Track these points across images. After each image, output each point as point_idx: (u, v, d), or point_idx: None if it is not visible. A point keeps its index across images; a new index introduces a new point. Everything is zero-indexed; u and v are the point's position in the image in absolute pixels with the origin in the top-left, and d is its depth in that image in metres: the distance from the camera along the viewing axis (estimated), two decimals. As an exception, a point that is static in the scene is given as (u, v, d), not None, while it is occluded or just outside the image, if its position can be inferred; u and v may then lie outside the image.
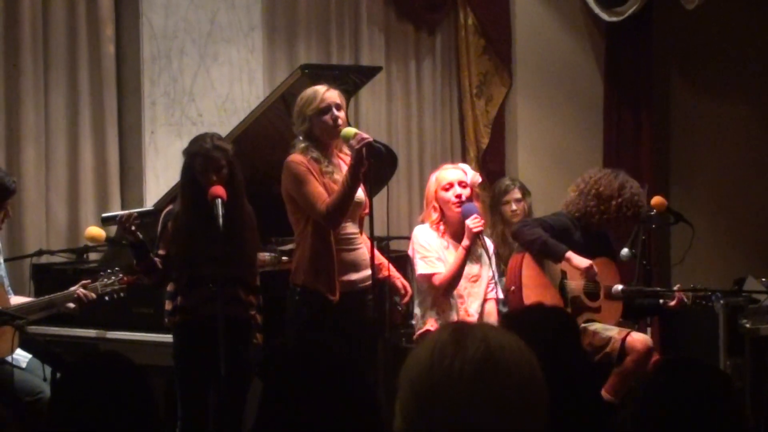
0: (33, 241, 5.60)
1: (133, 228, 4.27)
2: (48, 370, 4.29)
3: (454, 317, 4.94)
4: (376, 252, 4.54)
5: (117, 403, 2.33)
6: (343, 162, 4.44)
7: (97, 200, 5.84)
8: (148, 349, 4.82)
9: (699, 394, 2.06)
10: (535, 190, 6.21)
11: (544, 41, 7.23)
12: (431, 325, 4.90)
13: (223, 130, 4.90)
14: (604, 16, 7.19)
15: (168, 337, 4.58)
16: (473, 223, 4.82)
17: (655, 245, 5.84)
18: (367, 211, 4.47)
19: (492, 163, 7.08)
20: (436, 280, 4.90)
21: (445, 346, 1.71)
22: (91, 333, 5.06)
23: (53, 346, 4.61)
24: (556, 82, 7.28)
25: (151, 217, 4.46)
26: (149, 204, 5.64)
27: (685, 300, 5.15)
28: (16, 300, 4.75)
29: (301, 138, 4.46)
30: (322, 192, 4.32)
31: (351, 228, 4.50)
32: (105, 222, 4.55)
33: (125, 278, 4.64)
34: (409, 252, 5.06)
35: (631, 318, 5.38)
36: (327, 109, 4.39)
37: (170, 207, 4.53)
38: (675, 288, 5.23)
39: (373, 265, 4.44)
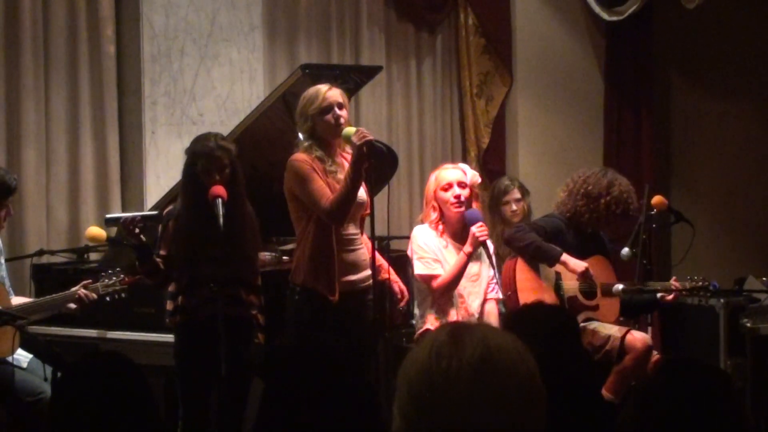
0: (33, 241, 5.60)
1: (137, 231, 4.27)
2: (49, 370, 4.30)
3: (455, 316, 4.94)
4: (377, 254, 4.54)
5: (118, 403, 2.33)
6: (346, 161, 4.44)
7: (98, 200, 5.84)
8: (148, 349, 4.82)
9: (700, 394, 2.06)
10: (536, 189, 6.21)
11: (545, 41, 7.23)
12: (431, 324, 4.90)
13: (224, 130, 4.90)
14: (605, 16, 7.19)
15: (169, 337, 4.58)
16: (478, 230, 4.80)
17: (656, 245, 5.83)
18: (368, 211, 4.47)
19: (492, 163, 7.08)
20: (435, 284, 4.91)
21: (442, 347, 1.71)
22: (91, 333, 5.06)
23: (54, 346, 4.62)
24: (557, 81, 7.28)
25: (155, 221, 4.45)
26: (149, 204, 5.65)
27: (683, 291, 5.14)
28: (16, 301, 4.75)
29: (304, 137, 4.46)
30: (326, 190, 4.32)
31: (352, 228, 4.50)
32: (108, 223, 4.55)
33: (126, 279, 4.64)
34: (408, 252, 5.07)
35: (629, 316, 5.38)
36: (329, 108, 4.39)
37: (171, 207, 4.53)
38: (671, 281, 5.22)
39: (374, 266, 4.44)
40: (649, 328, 5.43)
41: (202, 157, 4.30)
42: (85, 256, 5.59)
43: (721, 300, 5.74)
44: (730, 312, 5.71)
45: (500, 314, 5.02)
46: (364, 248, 4.54)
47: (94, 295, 4.58)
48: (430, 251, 4.94)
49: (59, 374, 3.98)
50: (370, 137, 4.26)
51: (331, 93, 4.42)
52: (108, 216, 4.56)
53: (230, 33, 6.16)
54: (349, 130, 4.32)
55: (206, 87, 6.10)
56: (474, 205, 5.02)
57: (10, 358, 4.43)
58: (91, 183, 5.83)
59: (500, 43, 7.11)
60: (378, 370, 4.65)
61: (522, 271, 5.08)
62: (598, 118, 7.39)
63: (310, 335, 4.35)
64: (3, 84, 5.61)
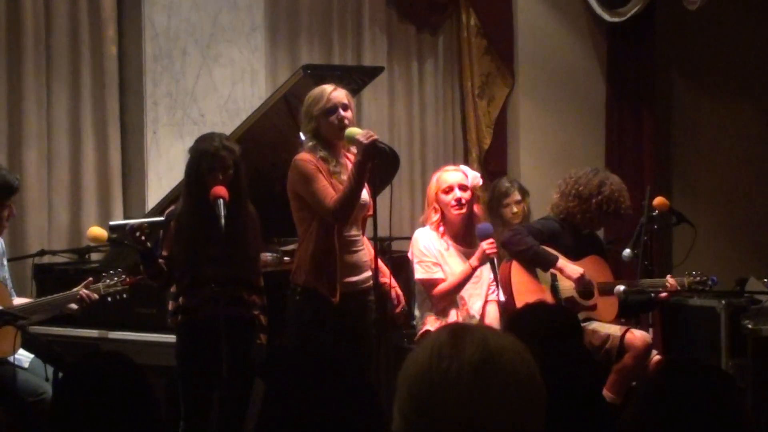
0: (35, 241, 5.60)
1: (143, 238, 4.24)
2: (50, 370, 4.29)
3: (455, 318, 4.94)
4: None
5: (119, 403, 2.33)
6: (349, 162, 4.44)
7: (99, 200, 5.85)
8: (150, 350, 4.82)
9: (702, 395, 2.06)
10: (537, 190, 6.20)
11: (546, 42, 7.23)
12: (431, 325, 4.90)
13: (225, 131, 4.90)
14: (606, 17, 7.18)
15: (170, 338, 4.58)
16: (489, 247, 4.80)
17: (657, 246, 5.83)
18: (371, 212, 4.47)
19: (494, 164, 7.07)
20: (436, 291, 4.91)
21: (443, 348, 1.72)
22: (93, 333, 5.06)
23: (55, 346, 4.60)
24: (558, 82, 7.27)
25: (160, 228, 4.43)
26: (151, 204, 5.65)
27: (679, 287, 5.13)
28: (18, 302, 4.75)
29: (308, 137, 4.45)
30: (330, 190, 4.32)
31: (353, 230, 4.50)
32: (112, 230, 4.53)
33: (128, 279, 4.64)
34: (409, 254, 5.07)
35: (628, 316, 5.38)
36: (333, 109, 4.39)
37: (172, 207, 4.53)
38: (667, 278, 5.21)
39: (376, 267, 4.43)
40: (651, 329, 5.43)
41: (207, 157, 4.30)
42: (87, 256, 5.60)
43: (723, 301, 5.73)
44: (731, 313, 5.71)
45: (501, 316, 5.01)
46: (365, 250, 4.54)
47: (96, 296, 4.58)
48: (431, 255, 4.94)
49: (60, 374, 3.98)
50: (375, 137, 4.27)
51: (336, 94, 4.42)
52: (112, 223, 4.54)
53: (232, 33, 6.16)
54: (353, 130, 4.32)
55: (208, 87, 6.10)
56: (475, 207, 5.02)
57: (11, 359, 4.43)
58: (93, 183, 5.83)
59: (502, 44, 7.11)
60: (378, 371, 4.65)
61: (517, 274, 5.09)
62: (599, 119, 7.38)
63: (311, 336, 4.35)
64: (5, 84, 5.62)
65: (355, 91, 5.18)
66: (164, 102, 5.98)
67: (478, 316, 4.99)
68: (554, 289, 5.10)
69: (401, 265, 5.18)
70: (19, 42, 5.61)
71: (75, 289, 4.57)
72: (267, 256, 4.97)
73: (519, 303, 4.95)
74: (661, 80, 7.55)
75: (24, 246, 5.56)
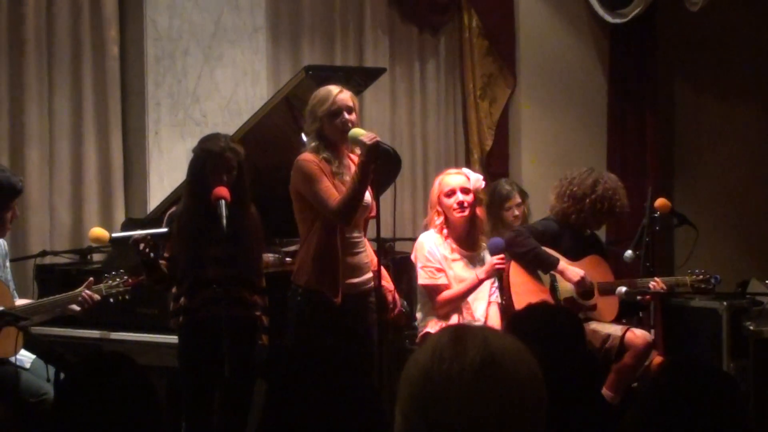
0: (37, 242, 5.60)
1: (147, 250, 4.20)
2: (52, 370, 4.29)
3: (457, 320, 4.94)
4: (376, 262, 4.52)
5: (121, 404, 2.33)
6: (353, 163, 4.44)
7: (101, 201, 5.85)
8: (152, 350, 4.82)
9: (703, 396, 2.06)
10: (539, 192, 6.20)
11: (548, 43, 7.23)
12: (432, 327, 4.89)
13: (227, 132, 4.90)
14: (608, 18, 7.19)
15: (172, 338, 4.59)
16: (498, 262, 4.82)
17: (659, 247, 5.83)
18: (373, 213, 4.46)
19: (496, 165, 7.07)
20: (439, 298, 4.91)
21: (444, 349, 1.72)
22: (95, 334, 5.05)
23: (57, 346, 4.61)
24: (560, 83, 7.27)
25: (163, 239, 4.39)
26: (152, 205, 5.65)
27: (665, 287, 5.12)
28: (20, 302, 4.75)
29: (311, 137, 4.46)
30: (333, 190, 4.32)
31: (355, 231, 4.49)
32: (114, 243, 4.52)
33: (130, 280, 4.63)
34: (412, 257, 5.06)
35: (628, 316, 5.39)
36: (338, 112, 4.38)
37: (173, 209, 4.52)
38: (654, 279, 5.18)
39: (379, 269, 4.43)
40: (652, 330, 5.43)
41: (212, 157, 4.30)
42: (88, 257, 5.60)
43: (724, 302, 5.73)
44: (732, 314, 5.71)
45: (502, 317, 5.01)
46: (366, 251, 4.54)
47: (97, 297, 4.58)
48: (435, 261, 4.94)
49: (62, 375, 3.98)
50: (378, 138, 4.27)
51: (342, 96, 4.42)
52: (114, 235, 4.49)
53: (234, 34, 6.16)
54: (357, 131, 4.32)
55: (210, 88, 6.10)
56: (477, 210, 5.02)
57: (13, 359, 4.43)
58: (94, 184, 5.83)
59: (504, 45, 7.12)
60: (380, 372, 4.65)
61: (516, 275, 5.09)
62: (601, 120, 7.39)
63: (312, 336, 4.35)
64: (7, 85, 5.62)
65: (357, 92, 5.18)
66: (166, 103, 5.98)
67: (482, 319, 4.98)
68: (553, 290, 5.10)
69: (404, 267, 5.18)
70: (21, 43, 5.61)
71: (77, 290, 4.57)
72: (269, 256, 4.97)
73: (518, 304, 4.95)
74: (662, 81, 7.56)
75: (26, 247, 5.56)
